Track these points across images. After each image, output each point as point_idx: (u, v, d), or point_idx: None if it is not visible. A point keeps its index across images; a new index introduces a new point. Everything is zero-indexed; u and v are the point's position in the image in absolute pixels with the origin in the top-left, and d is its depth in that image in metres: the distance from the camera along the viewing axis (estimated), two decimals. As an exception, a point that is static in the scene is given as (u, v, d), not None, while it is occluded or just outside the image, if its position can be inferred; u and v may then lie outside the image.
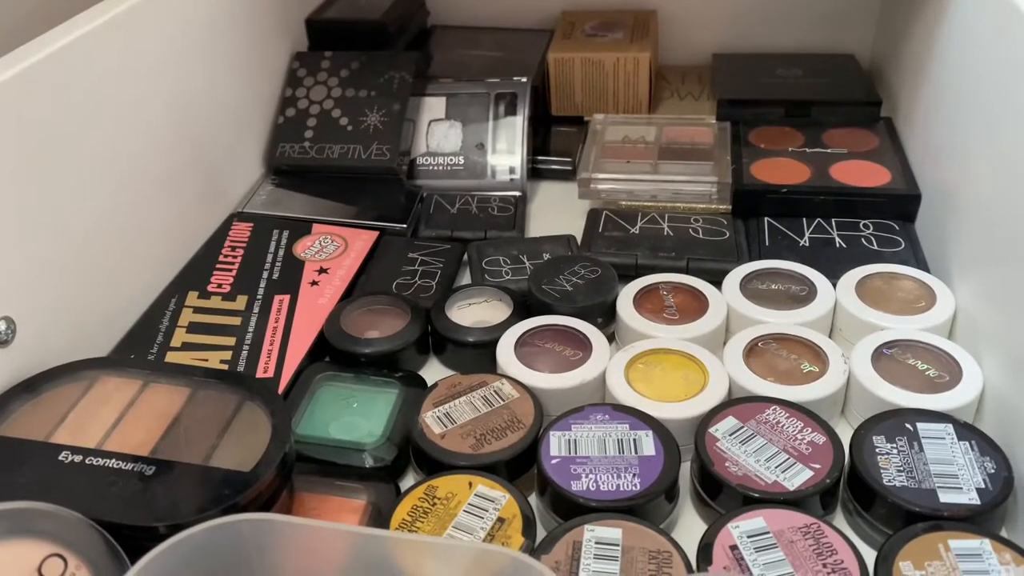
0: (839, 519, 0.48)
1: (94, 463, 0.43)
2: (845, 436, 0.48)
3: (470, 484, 0.46)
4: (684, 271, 0.63)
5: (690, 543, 0.43)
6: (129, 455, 0.43)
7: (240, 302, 0.61)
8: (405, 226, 0.70)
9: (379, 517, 0.47)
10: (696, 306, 0.58)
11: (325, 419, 0.53)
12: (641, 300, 0.59)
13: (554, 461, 0.47)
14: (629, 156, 0.73)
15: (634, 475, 0.46)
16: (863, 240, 0.65)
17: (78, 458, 0.43)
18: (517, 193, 0.75)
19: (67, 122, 0.52)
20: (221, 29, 0.69)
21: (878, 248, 0.64)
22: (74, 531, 0.39)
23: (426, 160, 0.76)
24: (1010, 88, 0.52)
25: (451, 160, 0.76)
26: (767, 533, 0.43)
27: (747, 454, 0.47)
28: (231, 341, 0.58)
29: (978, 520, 0.43)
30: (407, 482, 0.51)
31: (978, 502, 0.44)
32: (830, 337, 0.58)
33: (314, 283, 0.63)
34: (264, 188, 0.74)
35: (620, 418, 0.49)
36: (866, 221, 0.67)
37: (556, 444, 0.48)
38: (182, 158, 0.64)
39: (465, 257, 0.67)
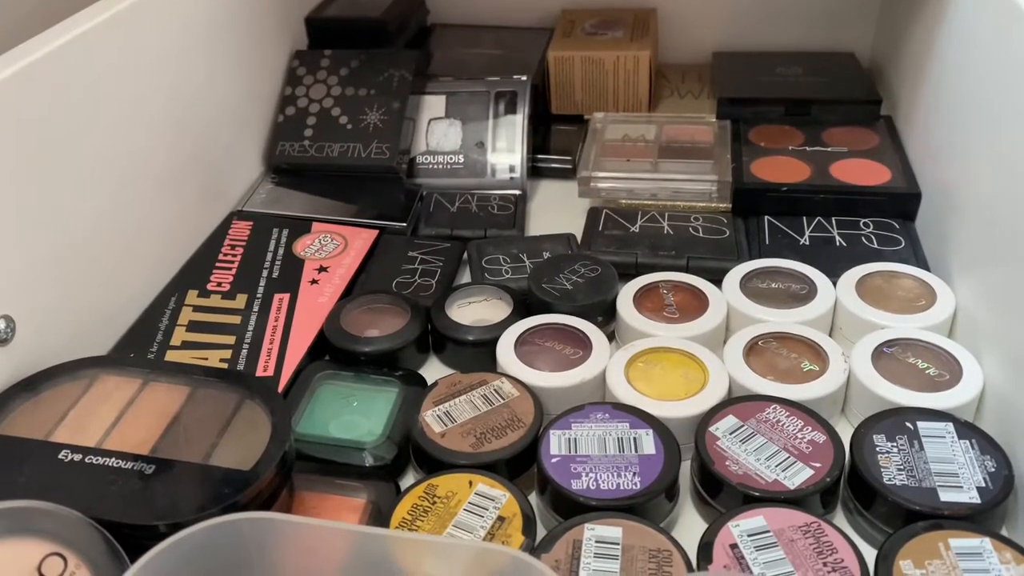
0: (839, 518, 0.48)
1: (94, 462, 0.43)
2: (845, 435, 0.48)
3: (470, 483, 0.46)
4: (684, 270, 0.63)
5: (690, 542, 0.43)
6: (129, 454, 0.43)
7: (240, 301, 0.61)
8: (405, 225, 0.70)
9: (379, 516, 0.47)
10: (696, 305, 0.58)
11: (325, 418, 0.53)
12: (641, 299, 0.59)
13: (554, 460, 0.47)
14: (629, 154, 0.73)
15: (634, 474, 0.46)
16: (863, 239, 0.65)
17: (78, 457, 0.43)
18: (517, 192, 0.75)
19: (67, 120, 0.52)
20: (221, 27, 0.69)
21: (878, 247, 0.64)
22: (74, 530, 0.39)
23: (426, 158, 0.76)
24: (1010, 87, 0.52)
25: (451, 158, 0.76)
26: (767, 532, 0.43)
27: (747, 453, 0.47)
28: (231, 340, 0.58)
29: (978, 519, 0.43)
30: (407, 481, 0.51)
31: (978, 501, 0.44)
32: (830, 336, 0.58)
33: (314, 282, 0.63)
34: (264, 187, 0.74)
35: (620, 417, 0.49)
36: (866, 220, 0.67)
37: (556, 443, 0.48)
38: (182, 156, 0.64)
39: (465, 256, 0.67)
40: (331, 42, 0.80)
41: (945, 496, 0.44)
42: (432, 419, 0.50)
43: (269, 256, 0.65)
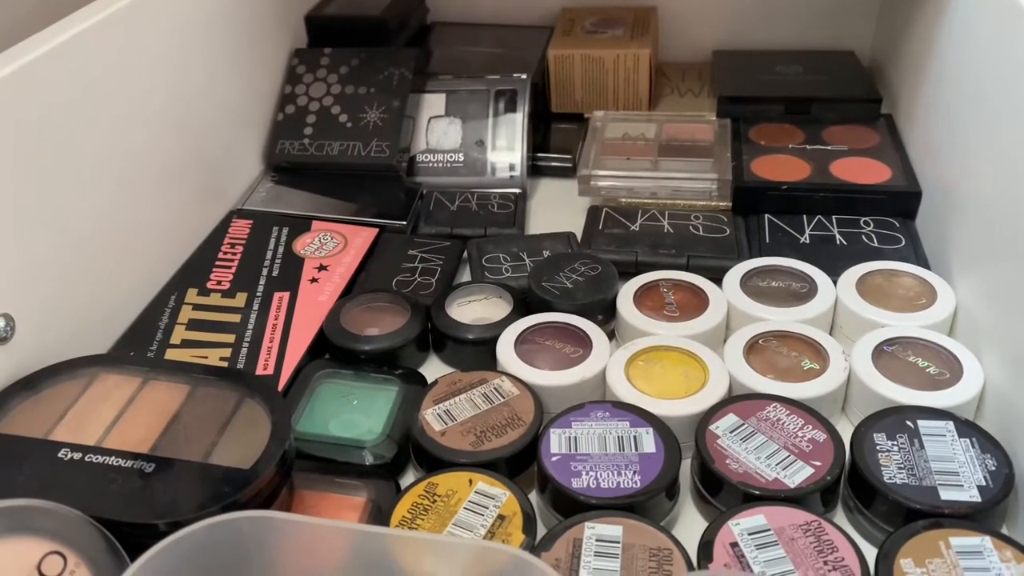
0: (840, 516, 0.48)
1: (94, 460, 0.43)
2: (846, 433, 0.48)
3: (470, 481, 0.46)
4: (684, 268, 0.62)
5: (691, 540, 0.43)
6: (129, 452, 0.43)
7: (240, 299, 0.61)
8: (405, 223, 0.70)
9: (379, 514, 0.47)
10: (696, 303, 0.58)
11: (325, 416, 0.53)
12: (641, 297, 0.59)
13: (554, 458, 0.47)
14: (629, 153, 0.73)
15: (634, 472, 0.46)
16: (863, 237, 0.65)
17: (77, 455, 0.43)
18: (517, 190, 0.74)
19: (66, 119, 0.52)
20: (220, 26, 0.69)
21: (878, 245, 0.64)
22: (73, 528, 0.39)
23: (426, 157, 0.76)
24: (1011, 85, 0.52)
25: (451, 157, 0.76)
26: (768, 530, 0.43)
27: (748, 451, 0.47)
28: (231, 338, 0.58)
29: (979, 517, 0.43)
30: (407, 479, 0.51)
31: (979, 499, 0.44)
32: (831, 334, 0.57)
33: (314, 280, 0.63)
34: (264, 185, 0.74)
35: (620, 415, 0.49)
36: (866, 218, 0.67)
37: (556, 441, 0.48)
38: (181, 155, 0.64)
39: (465, 254, 0.67)
40: (331, 40, 0.80)
41: (945, 495, 0.44)
42: (432, 417, 0.50)
43: (269, 255, 0.65)
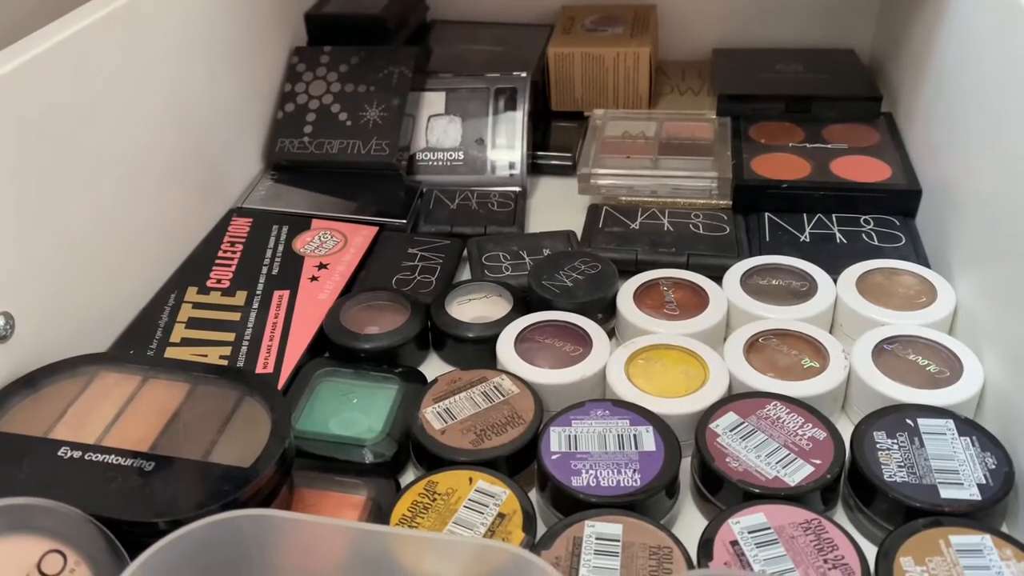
0: (840, 515, 0.48)
1: (93, 459, 0.42)
2: (846, 432, 0.48)
3: (470, 480, 0.46)
4: (684, 267, 0.62)
5: (691, 539, 0.43)
6: (128, 451, 0.43)
7: (239, 298, 0.61)
8: (405, 222, 0.70)
9: (379, 513, 0.47)
10: (696, 302, 0.58)
11: (325, 415, 0.53)
12: (641, 296, 0.59)
13: (554, 457, 0.47)
14: (629, 151, 0.73)
15: (634, 471, 0.46)
16: (864, 235, 0.65)
17: (77, 454, 0.43)
18: (517, 188, 0.74)
19: (66, 117, 0.52)
20: (220, 24, 0.69)
21: (879, 244, 0.64)
22: (73, 527, 0.39)
23: (425, 155, 0.76)
24: (1011, 84, 0.52)
25: (451, 155, 0.76)
26: (768, 529, 0.43)
27: (748, 450, 0.47)
28: (230, 337, 0.58)
29: (979, 516, 0.43)
30: (407, 478, 0.51)
31: (979, 498, 0.44)
32: (831, 333, 0.57)
33: (314, 279, 0.63)
34: (263, 183, 0.74)
35: (620, 414, 0.49)
36: (867, 216, 0.66)
37: (556, 440, 0.48)
38: (181, 153, 0.64)
39: (465, 253, 0.67)
40: (331, 38, 0.80)
41: (945, 493, 0.44)
42: (432, 416, 0.50)
43: (269, 253, 0.65)
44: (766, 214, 0.68)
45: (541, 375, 0.53)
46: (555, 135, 0.82)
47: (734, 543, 0.42)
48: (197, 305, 0.60)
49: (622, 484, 0.45)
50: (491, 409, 0.50)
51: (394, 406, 0.53)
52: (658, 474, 0.46)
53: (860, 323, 0.56)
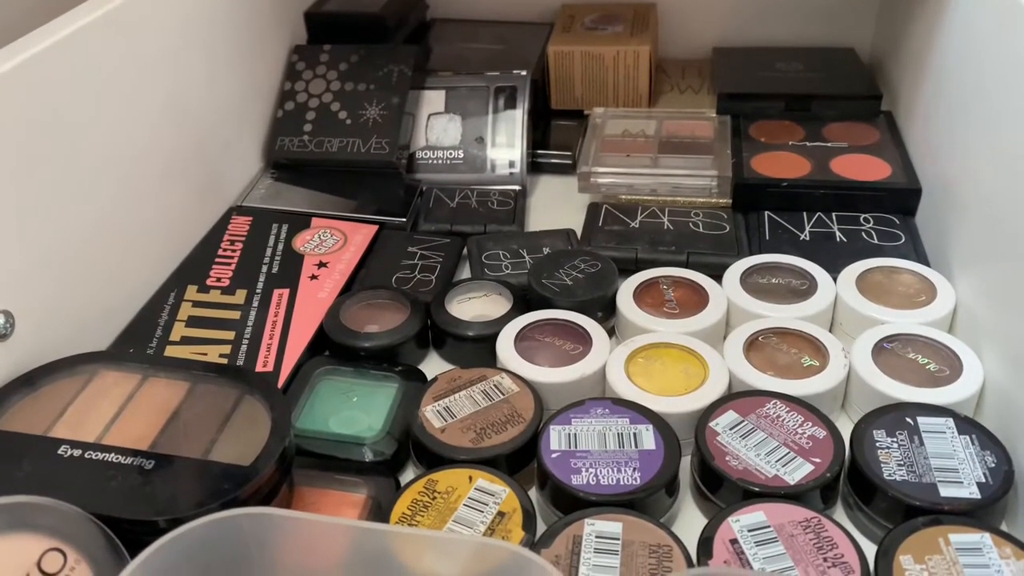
0: (839, 513, 0.48)
1: (93, 457, 0.42)
2: (845, 430, 0.48)
3: (470, 478, 0.46)
4: (684, 265, 0.62)
5: (690, 537, 0.43)
6: (128, 449, 0.43)
7: (239, 296, 0.61)
8: (404, 220, 0.70)
9: (379, 511, 0.47)
10: (696, 300, 0.58)
11: (325, 413, 0.53)
12: (641, 294, 0.59)
13: (554, 455, 0.47)
14: (629, 150, 0.73)
15: (634, 469, 0.46)
16: (863, 234, 0.65)
17: (77, 452, 0.43)
18: (517, 187, 0.74)
19: (66, 116, 0.52)
20: (220, 22, 0.69)
21: (878, 242, 0.64)
22: (73, 525, 0.39)
23: (425, 154, 0.76)
24: (1011, 82, 0.52)
25: (450, 154, 0.76)
26: (767, 527, 0.43)
27: (747, 448, 0.47)
28: (230, 335, 0.58)
29: (979, 514, 0.43)
30: (407, 476, 0.51)
31: (979, 496, 0.44)
32: (830, 331, 0.57)
33: (313, 277, 0.63)
34: (263, 182, 0.74)
35: (620, 412, 0.49)
36: (866, 215, 0.66)
37: (556, 438, 0.48)
38: (181, 152, 0.64)
39: (465, 251, 0.67)
40: (330, 37, 0.80)
41: (945, 491, 0.44)
42: (432, 414, 0.50)
43: (269, 251, 0.65)
44: (766, 213, 0.68)
45: (541, 373, 0.53)
46: (555, 133, 0.82)
47: (734, 541, 0.42)
48: (197, 304, 0.60)
49: (622, 482, 0.45)
50: (491, 407, 0.51)
51: (394, 404, 0.53)
52: (658, 472, 0.46)
53: (860, 322, 0.56)
